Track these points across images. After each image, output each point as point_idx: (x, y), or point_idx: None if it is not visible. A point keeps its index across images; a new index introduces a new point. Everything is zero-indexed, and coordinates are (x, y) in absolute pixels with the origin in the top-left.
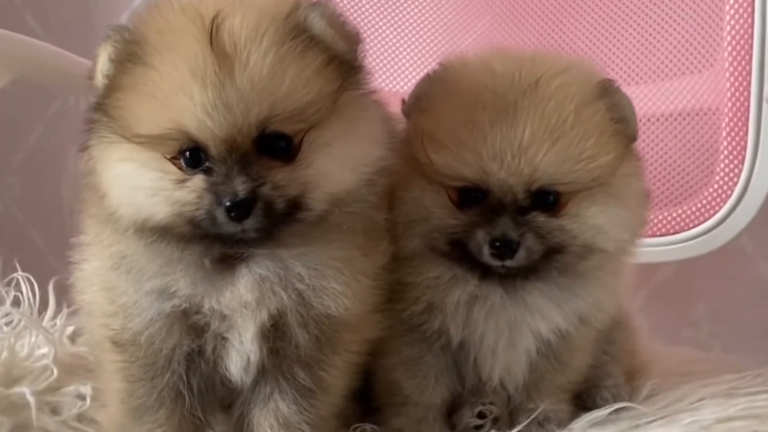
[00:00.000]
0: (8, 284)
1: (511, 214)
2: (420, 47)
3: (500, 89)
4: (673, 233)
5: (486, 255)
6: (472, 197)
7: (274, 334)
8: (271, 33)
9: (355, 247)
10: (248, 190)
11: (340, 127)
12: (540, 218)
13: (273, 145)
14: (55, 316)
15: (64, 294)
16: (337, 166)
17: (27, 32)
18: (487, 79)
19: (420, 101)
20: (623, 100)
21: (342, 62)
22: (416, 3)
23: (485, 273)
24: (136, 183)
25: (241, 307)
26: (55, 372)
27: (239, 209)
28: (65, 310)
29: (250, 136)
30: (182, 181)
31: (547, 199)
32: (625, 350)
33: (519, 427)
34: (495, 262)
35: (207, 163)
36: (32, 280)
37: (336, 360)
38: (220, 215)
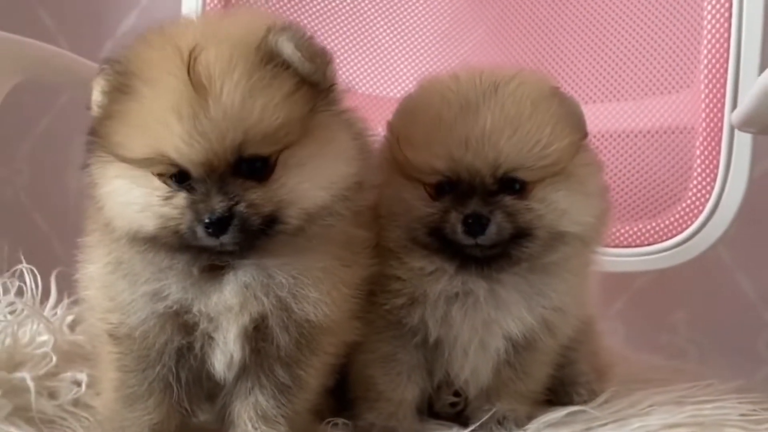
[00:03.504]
0: (12, 275)
1: (481, 196)
2: (417, 56)
3: (463, 91)
4: (648, 244)
5: (459, 234)
6: (446, 189)
7: (257, 335)
8: (242, 64)
9: (335, 257)
10: (224, 208)
11: (312, 147)
12: (508, 200)
13: (250, 166)
14: (56, 306)
15: (65, 283)
16: (309, 185)
17: (39, 27)
18: (452, 84)
19: (398, 113)
20: (572, 100)
21: (311, 84)
22: (413, 12)
23: (464, 261)
24: (127, 198)
25: (226, 311)
26: (54, 359)
27: (216, 226)
28: (66, 300)
29: (227, 160)
30: (167, 198)
31: (513, 185)
32: (589, 351)
33: (476, 424)
34: (468, 241)
35: (189, 182)
36: (35, 271)
37: (314, 360)
38: (200, 230)
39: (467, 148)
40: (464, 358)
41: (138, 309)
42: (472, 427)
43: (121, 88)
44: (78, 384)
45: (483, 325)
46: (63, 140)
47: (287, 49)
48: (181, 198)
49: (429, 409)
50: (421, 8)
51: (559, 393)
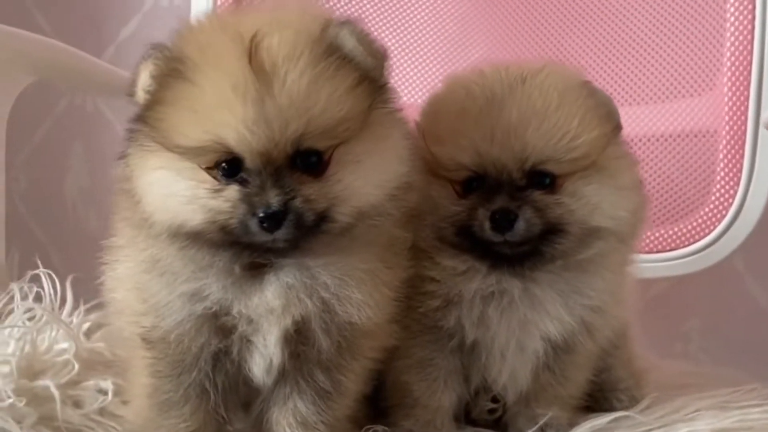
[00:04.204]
0: (29, 280)
1: (509, 191)
2: (424, 62)
3: (488, 84)
4: (670, 250)
5: (487, 231)
6: (474, 186)
7: (297, 338)
8: (307, 52)
9: (378, 259)
10: (281, 202)
11: (368, 144)
12: (536, 194)
13: (305, 160)
14: (72, 313)
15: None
16: (363, 182)
17: (36, 31)
18: (476, 79)
19: (424, 111)
20: (602, 92)
21: (371, 81)
22: (420, 17)
23: (495, 261)
24: (171, 190)
25: (268, 313)
26: (77, 366)
27: (272, 220)
28: (82, 307)
29: (286, 151)
30: (217, 190)
31: (542, 180)
32: (625, 356)
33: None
34: (496, 237)
35: (242, 175)
36: (53, 276)
37: (354, 365)
38: (253, 225)
39: (493, 141)
40: (502, 361)
41: (175, 310)
42: None
43: (173, 73)
44: (103, 392)
45: (519, 326)
46: (60, 149)
47: (349, 42)
48: (232, 191)
49: (466, 417)
50: (427, 14)
51: (598, 399)
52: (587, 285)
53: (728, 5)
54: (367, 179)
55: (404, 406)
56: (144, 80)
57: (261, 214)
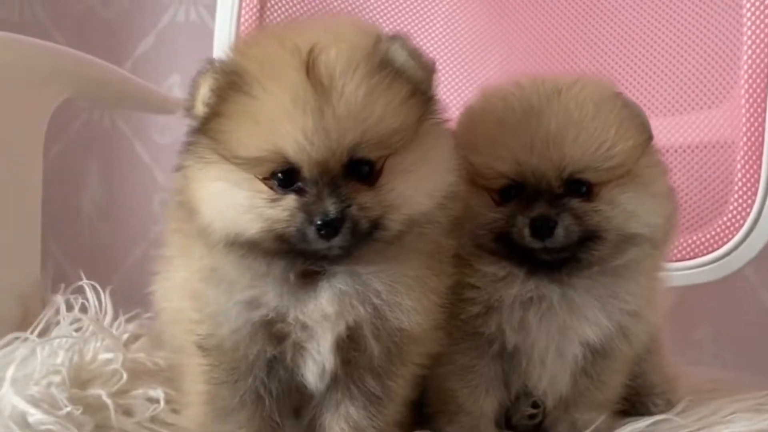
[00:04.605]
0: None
1: (547, 199)
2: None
3: (526, 95)
4: (688, 259)
5: (527, 237)
6: (512, 194)
7: (349, 344)
8: (362, 65)
9: (426, 266)
10: (338, 210)
11: (419, 154)
12: (574, 202)
13: (358, 169)
14: (112, 324)
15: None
16: (415, 191)
17: None
18: (514, 90)
19: (461, 122)
20: (634, 103)
21: (422, 92)
22: (436, 32)
23: (534, 267)
24: (229, 200)
25: (322, 319)
26: (125, 376)
27: (329, 228)
28: (122, 317)
29: (341, 160)
30: (274, 200)
31: (579, 188)
32: (657, 362)
33: None
34: (536, 244)
35: (298, 184)
36: (98, 287)
37: (403, 371)
38: (311, 233)
39: (532, 151)
40: (542, 367)
41: (231, 318)
42: None
43: (233, 86)
44: (153, 401)
45: (559, 331)
46: (77, 165)
47: (401, 56)
48: (290, 200)
49: (506, 423)
50: (443, 29)
51: (635, 404)
52: (624, 290)
53: (744, 19)
54: (418, 188)
55: (448, 413)
56: (204, 94)
57: (318, 222)
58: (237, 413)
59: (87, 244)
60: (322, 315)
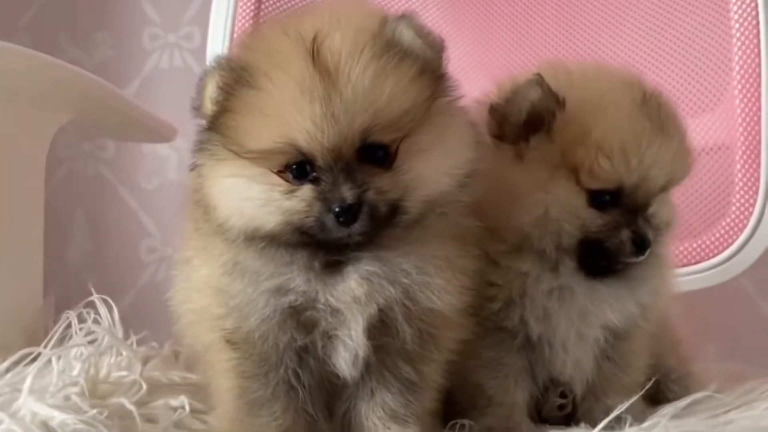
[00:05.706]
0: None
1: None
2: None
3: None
4: (694, 263)
5: (626, 252)
6: (606, 200)
7: (381, 329)
8: (368, 48)
9: (452, 247)
10: (355, 195)
11: (433, 133)
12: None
13: (372, 153)
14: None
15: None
16: (433, 171)
17: None
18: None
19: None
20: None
21: (431, 71)
22: None
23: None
24: (245, 195)
25: (352, 302)
26: (144, 386)
27: (347, 214)
28: (133, 337)
29: (354, 145)
30: (290, 191)
31: None
32: (671, 340)
33: (602, 425)
34: (634, 259)
35: (313, 174)
36: (110, 302)
37: (436, 355)
38: (329, 221)
39: (640, 164)
40: (564, 352)
41: (259, 307)
42: (600, 426)
43: (240, 81)
44: (175, 409)
45: (579, 316)
46: (62, 216)
47: (407, 36)
48: (306, 190)
49: (537, 415)
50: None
51: (651, 395)
52: (651, 272)
53: (732, 22)
54: (436, 167)
55: (478, 407)
56: (211, 91)
57: (336, 209)
58: (270, 406)
59: (73, 297)
60: (352, 297)
